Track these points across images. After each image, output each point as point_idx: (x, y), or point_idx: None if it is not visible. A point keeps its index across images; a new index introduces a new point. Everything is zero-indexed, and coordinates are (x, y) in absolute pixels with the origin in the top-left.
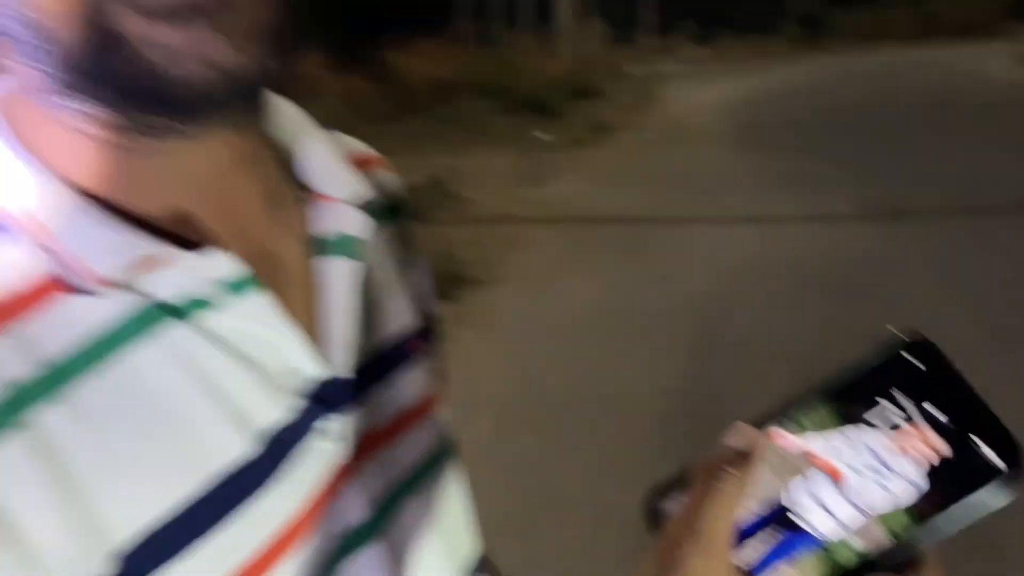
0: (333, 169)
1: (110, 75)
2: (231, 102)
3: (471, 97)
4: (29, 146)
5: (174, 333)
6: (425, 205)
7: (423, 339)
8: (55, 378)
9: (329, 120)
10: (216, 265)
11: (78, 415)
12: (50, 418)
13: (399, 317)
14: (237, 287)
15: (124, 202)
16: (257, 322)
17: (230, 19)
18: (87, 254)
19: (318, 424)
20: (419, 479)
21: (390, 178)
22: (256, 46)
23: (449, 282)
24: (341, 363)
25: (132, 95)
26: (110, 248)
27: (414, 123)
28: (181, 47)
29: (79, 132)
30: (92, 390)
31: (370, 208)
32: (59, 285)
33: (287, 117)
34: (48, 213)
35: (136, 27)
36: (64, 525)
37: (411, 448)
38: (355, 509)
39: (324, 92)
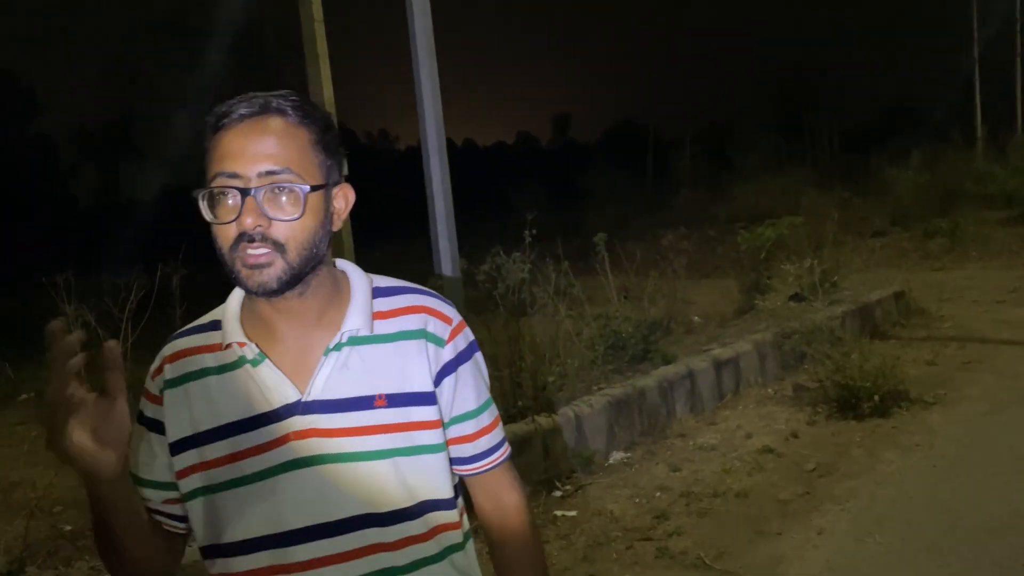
0: (355, 317)
1: (232, 276)
2: (268, 294)
3: (972, 207)
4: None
5: (248, 367)
6: (888, 320)
7: (391, 401)
8: (205, 373)
9: (813, 236)
10: (255, 348)
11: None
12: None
13: (363, 386)
14: (263, 356)
15: (248, 321)
16: (268, 371)
17: (264, 276)
18: (229, 335)
19: (284, 412)
20: (342, 458)
21: (419, 319)
22: (278, 283)
23: (888, 399)
24: (309, 393)
25: (242, 287)
26: (233, 336)
27: (903, 236)
28: (249, 280)
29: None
30: (217, 380)
31: (357, 336)
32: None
33: (360, 288)
34: (229, 322)
35: (241, 272)
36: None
37: (338, 444)
38: (294, 452)
39: (814, 208)
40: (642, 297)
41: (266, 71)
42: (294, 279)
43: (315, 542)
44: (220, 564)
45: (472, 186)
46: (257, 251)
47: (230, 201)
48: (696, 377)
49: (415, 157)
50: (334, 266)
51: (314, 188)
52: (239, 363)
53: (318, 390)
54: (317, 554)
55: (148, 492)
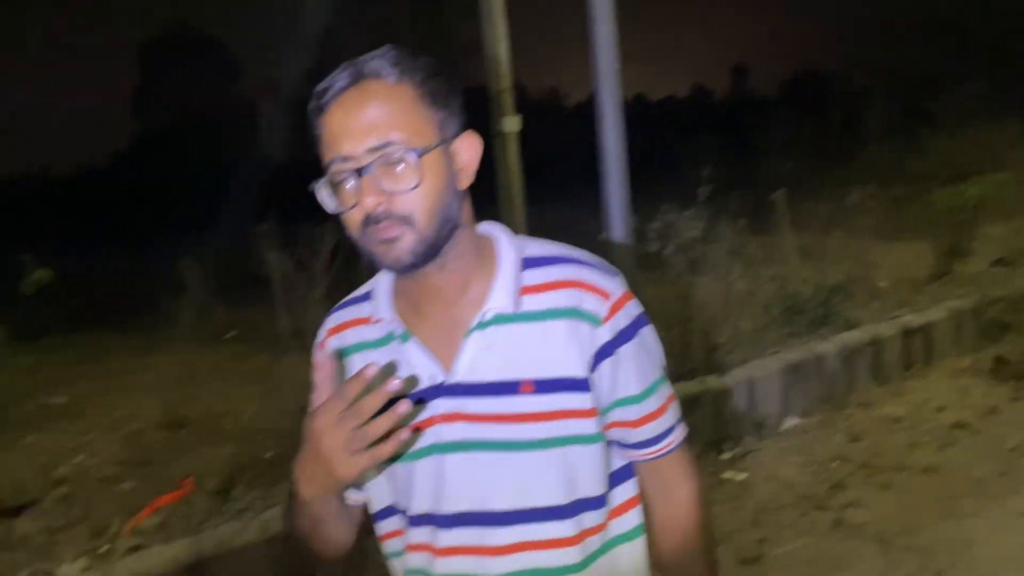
0: (500, 293)
1: (368, 257)
2: (405, 269)
3: None
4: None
5: (397, 343)
6: None
7: (538, 387)
8: (363, 346)
9: None
10: (402, 325)
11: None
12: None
13: (508, 369)
14: (409, 333)
15: (398, 295)
16: (415, 348)
17: (397, 251)
18: (379, 309)
19: (431, 393)
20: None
21: (572, 295)
22: (413, 256)
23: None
24: (454, 375)
25: (380, 265)
26: (382, 311)
27: None
28: (385, 257)
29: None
30: (374, 353)
31: (503, 315)
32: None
33: (507, 259)
34: (380, 296)
35: (376, 250)
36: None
37: (480, 429)
38: (441, 436)
39: None
40: (823, 258)
41: (443, 29)
42: (430, 250)
43: (461, 529)
44: (382, 526)
45: (644, 141)
46: (385, 227)
47: (348, 185)
48: (882, 344)
49: (584, 114)
50: (475, 231)
51: (427, 149)
52: (388, 339)
53: (463, 372)
54: (462, 543)
55: None
